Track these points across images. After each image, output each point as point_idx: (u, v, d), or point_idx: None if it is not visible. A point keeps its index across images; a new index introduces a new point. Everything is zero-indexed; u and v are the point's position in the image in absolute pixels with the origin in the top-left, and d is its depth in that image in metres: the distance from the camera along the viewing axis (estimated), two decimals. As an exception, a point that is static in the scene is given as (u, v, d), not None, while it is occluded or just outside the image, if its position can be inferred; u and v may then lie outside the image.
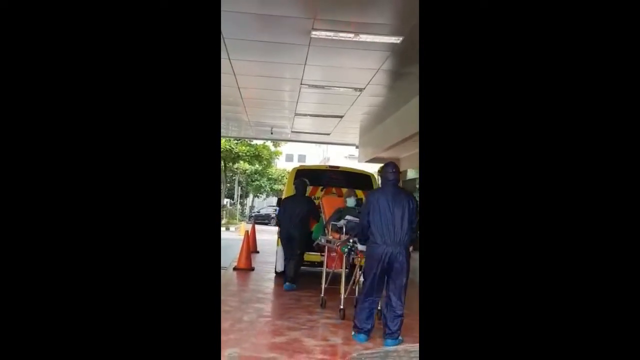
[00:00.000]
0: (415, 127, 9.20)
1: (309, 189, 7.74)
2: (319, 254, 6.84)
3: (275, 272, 7.89)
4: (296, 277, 7.06)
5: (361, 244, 4.95)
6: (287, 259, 7.19)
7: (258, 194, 37.57)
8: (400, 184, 14.70)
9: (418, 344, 2.28)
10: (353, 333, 4.59)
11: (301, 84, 8.60)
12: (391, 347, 2.27)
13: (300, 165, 9.73)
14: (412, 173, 13.92)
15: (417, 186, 13.23)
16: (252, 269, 8.55)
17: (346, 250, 5.23)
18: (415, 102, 9.15)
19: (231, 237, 15.94)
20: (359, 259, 5.17)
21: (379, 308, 4.76)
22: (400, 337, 4.49)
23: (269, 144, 25.88)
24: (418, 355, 2.19)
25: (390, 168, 4.70)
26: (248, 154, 26.15)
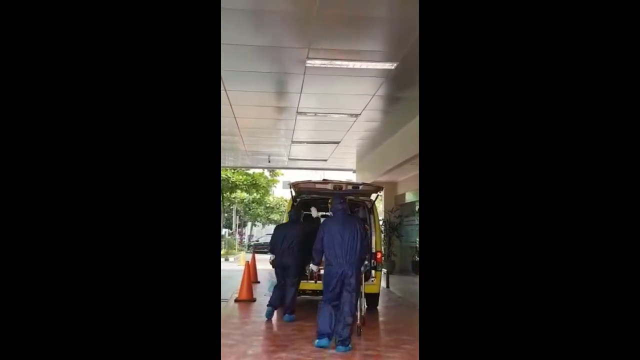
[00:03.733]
0: (411, 151, 9.24)
1: None
2: (314, 281, 6.78)
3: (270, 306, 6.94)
4: (294, 306, 6.89)
5: (313, 264, 5.83)
6: (278, 287, 6.97)
7: (255, 223, 37.42)
8: (397, 209, 14.59)
9: None
10: (317, 341, 5.13)
11: (297, 112, 8.65)
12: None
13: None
14: (410, 196, 13.91)
15: (417, 209, 13.21)
16: (254, 300, 8.42)
17: (308, 270, 6.50)
18: (411, 126, 9.20)
19: (231, 267, 15.79)
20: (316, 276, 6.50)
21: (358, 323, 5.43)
22: (350, 345, 5.06)
23: (266, 172, 25.90)
24: None
25: (338, 200, 5.64)
26: (245, 182, 26.13)
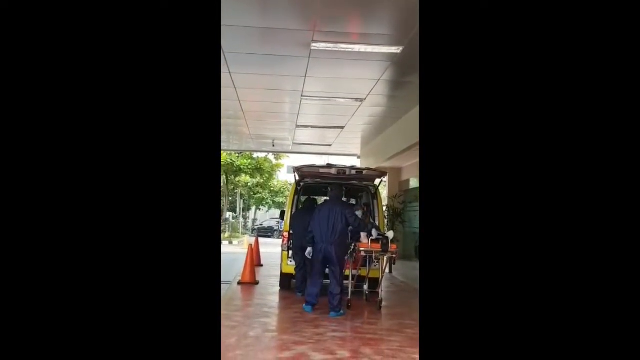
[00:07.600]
0: (416, 137, 9.19)
1: None
2: None
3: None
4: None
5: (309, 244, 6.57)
6: (299, 269, 7.49)
7: (260, 207, 37.48)
8: (401, 194, 14.54)
9: None
10: (304, 305, 6.22)
11: (302, 95, 8.60)
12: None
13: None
14: (414, 182, 13.87)
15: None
16: (257, 283, 8.49)
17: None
18: (416, 112, 9.14)
19: (235, 250, 15.88)
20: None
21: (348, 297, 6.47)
22: (341, 311, 6.03)
23: (271, 157, 25.83)
24: None
25: (332, 189, 6.77)
26: (250, 167, 26.12)
